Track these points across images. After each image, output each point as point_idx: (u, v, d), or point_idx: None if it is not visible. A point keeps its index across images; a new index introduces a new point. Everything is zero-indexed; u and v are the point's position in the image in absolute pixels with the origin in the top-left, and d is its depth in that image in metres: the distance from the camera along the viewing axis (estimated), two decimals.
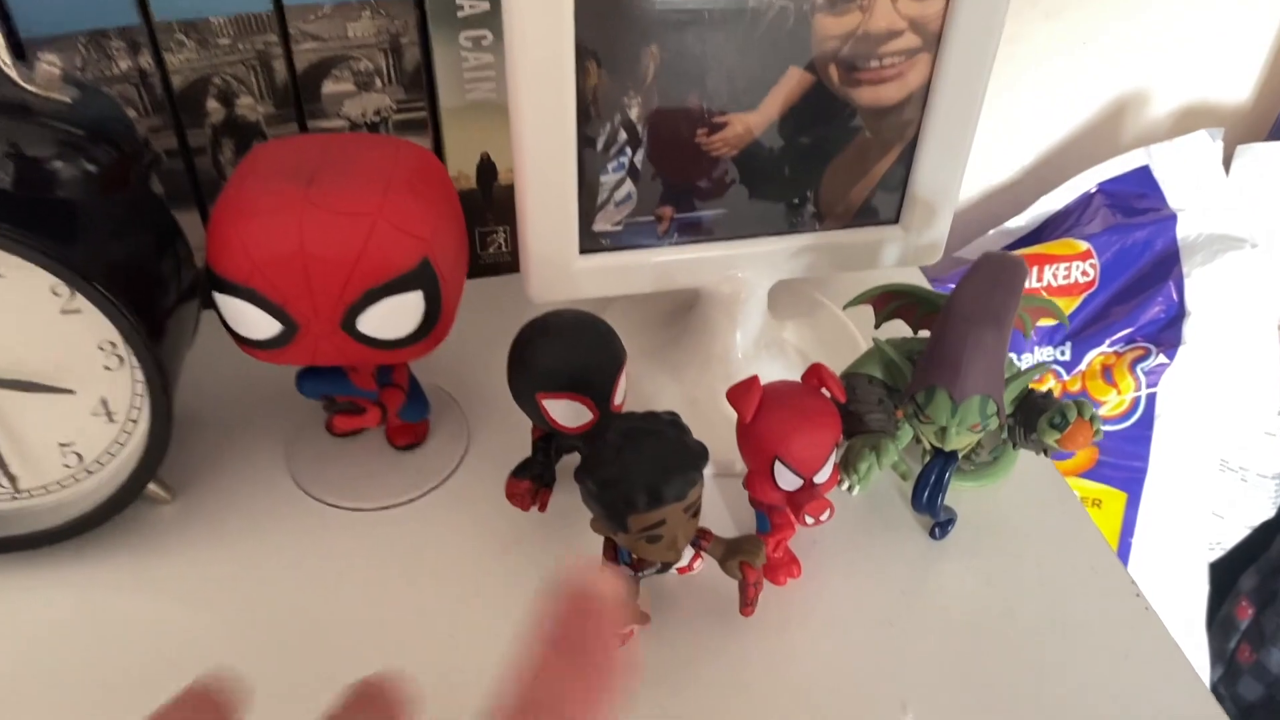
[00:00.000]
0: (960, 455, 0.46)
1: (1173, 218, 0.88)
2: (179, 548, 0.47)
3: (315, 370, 0.48)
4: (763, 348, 0.53)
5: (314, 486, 0.50)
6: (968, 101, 0.46)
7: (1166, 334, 0.87)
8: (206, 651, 0.43)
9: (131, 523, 0.47)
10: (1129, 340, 0.88)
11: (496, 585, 0.46)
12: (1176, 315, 0.87)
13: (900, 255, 0.51)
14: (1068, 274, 0.88)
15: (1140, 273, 0.88)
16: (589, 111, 0.43)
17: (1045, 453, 0.46)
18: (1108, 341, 0.88)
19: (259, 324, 0.42)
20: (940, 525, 0.48)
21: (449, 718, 0.39)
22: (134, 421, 0.44)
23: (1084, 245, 0.86)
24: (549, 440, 0.46)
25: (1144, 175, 0.89)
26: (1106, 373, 0.88)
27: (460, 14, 0.50)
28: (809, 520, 0.42)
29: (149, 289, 0.42)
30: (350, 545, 0.48)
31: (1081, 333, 0.89)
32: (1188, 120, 0.91)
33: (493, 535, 0.48)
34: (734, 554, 0.42)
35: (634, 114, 0.44)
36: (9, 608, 0.45)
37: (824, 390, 0.43)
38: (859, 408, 0.45)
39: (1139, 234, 0.88)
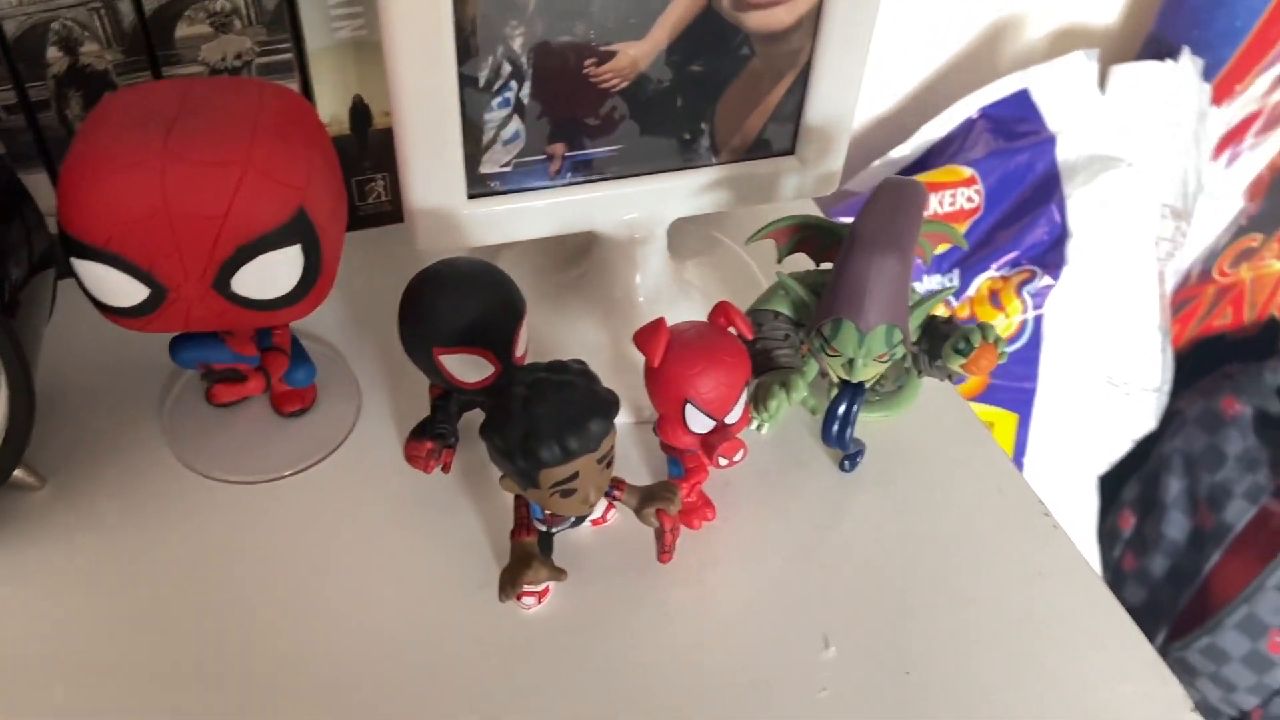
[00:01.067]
0: (867, 386, 0.46)
1: (1051, 140, 0.90)
2: (53, 534, 0.44)
3: (189, 337, 0.45)
4: (664, 289, 0.51)
5: (197, 460, 0.47)
6: (859, 27, 0.45)
7: (1051, 255, 0.89)
8: (90, 643, 0.41)
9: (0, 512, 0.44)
10: (1015, 264, 0.90)
11: (400, 553, 0.44)
12: (1060, 236, 0.89)
13: (797, 187, 0.50)
14: (953, 201, 0.89)
15: (1023, 196, 0.90)
16: (469, 45, 0.41)
17: (950, 379, 0.46)
18: (994, 266, 0.90)
19: (123, 290, 0.39)
20: (849, 458, 0.48)
21: (348, 688, 0.37)
22: None
23: (968, 171, 0.87)
24: (448, 398, 0.44)
25: (1023, 99, 0.90)
26: (994, 297, 0.90)
27: None
28: (722, 462, 0.41)
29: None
30: (240, 520, 0.45)
31: (968, 259, 0.90)
32: (1064, 42, 0.93)
33: (394, 500, 0.46)
34: (649, 502, 0.41)
35: (517, 45, 0.42)
36: None
37: (731, 329, 0.41)
38: (766, 345, 0.44)
39: (1020, 157, 0.90)
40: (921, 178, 0.86)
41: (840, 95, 0.47)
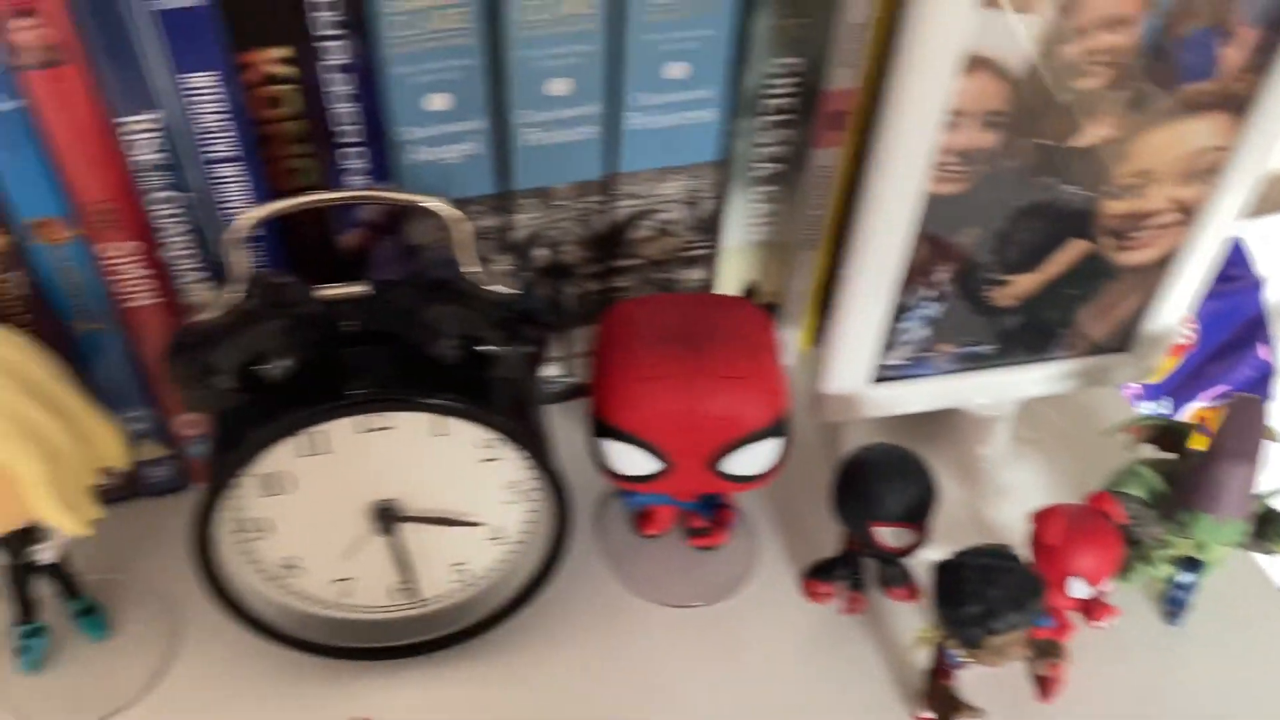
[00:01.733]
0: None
1: (1258, 284, 0.98)
2: (531, 647, 0.55)
3: None
4: (1006, 455, 0.61)
5: (632, 581, 0.58)
6: (1208, 258, 0.55)
7: (1258, 390, 0.97)
8: None
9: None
10: (1224, 395, 0.98)
11: (804, 683, 0.54)
12: (1266, 373, 0.97)
13: (1124, 376, 0.60)
14: None
15: (1233, 334, 0.98)
16: (908, 278, 0.51)
17: (1269, 554, 0.55)
18: (1204, 396, 0.98)
19: (638, 464, 0.50)
20: (1176, 615, 0.57)
21: None
22: (521, 543, 0.52)
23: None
24: (860, 552, 0.54)
25: (1234, 246, 0.99)
26: (1203, 425, 0.98)
27: (758, 173, 0.57)
28: (1100, 624, 0.51)
29: (546, 438, 0.49)
30: (663, 642, 0.55)
31: (1181, 388, 0.99)
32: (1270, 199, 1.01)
33: (796, 633, 0.56)
34: (1042, 655, 0.50)
35: (944, 278, 0.52)
36: (412, 703, 0.52)
37: (1106, 513, 0.51)
38: (1128, 524, 0.54)
39: (1231, 300, 0.98)
40: None
41: (1175, 311, 0.57)
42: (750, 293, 0.64)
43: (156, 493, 0.59)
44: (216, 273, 0.50)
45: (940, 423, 0.62)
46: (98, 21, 0.41)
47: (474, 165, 0.52)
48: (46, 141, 0.44)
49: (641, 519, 0.59)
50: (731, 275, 0.62)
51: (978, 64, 0.43)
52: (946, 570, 0.47)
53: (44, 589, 0.52)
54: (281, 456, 0.45)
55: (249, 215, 0.42)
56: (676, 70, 0.51)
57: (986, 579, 0.46)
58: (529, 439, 0.47)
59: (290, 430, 0.44)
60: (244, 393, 0.43)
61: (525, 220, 0.55)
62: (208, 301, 0.43)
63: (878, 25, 0.53)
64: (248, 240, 0.44)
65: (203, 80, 0.44)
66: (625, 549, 0.59)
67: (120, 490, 0.57)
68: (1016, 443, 0.63)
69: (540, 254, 0.57)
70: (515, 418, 0.47)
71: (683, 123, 0.53)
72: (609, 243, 0.58)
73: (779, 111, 0.55)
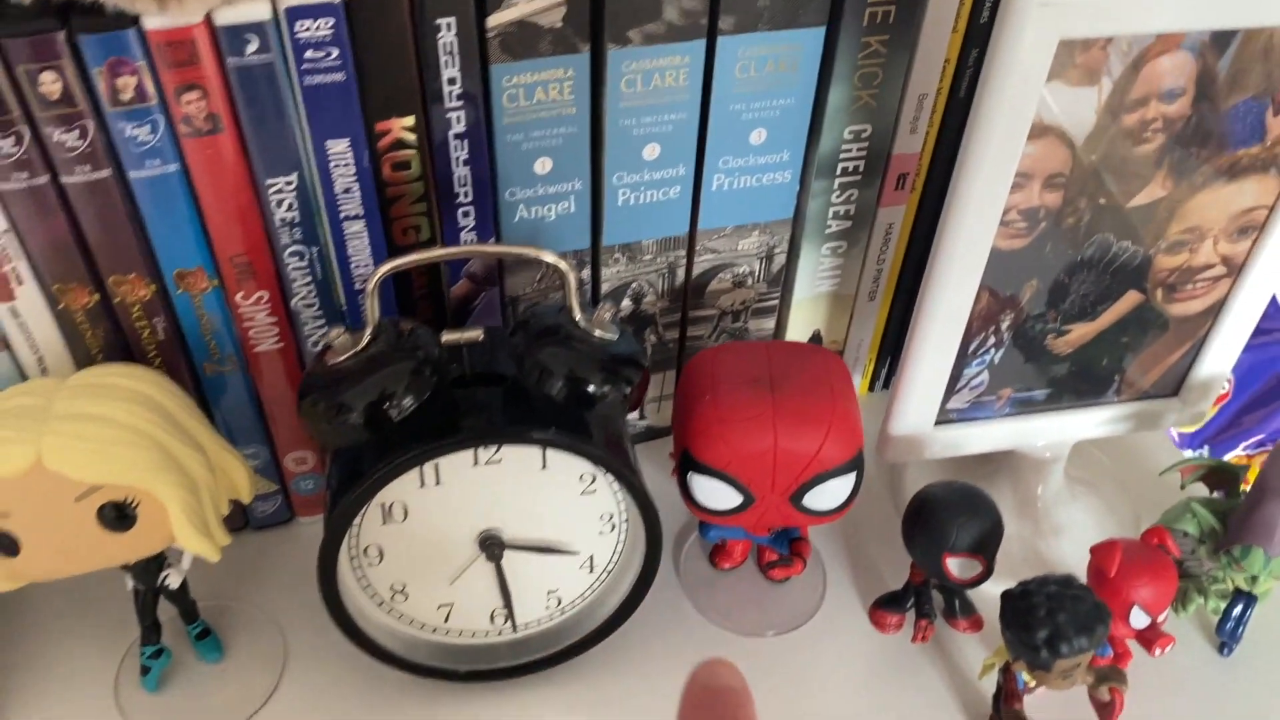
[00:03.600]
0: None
1: None
2: (616, 673, 0.58)
3: None
4: (1060, 493, 0.65)
5: (709, 611, 0.61)
6: (1253, 309, 0.58)
7: None
8: None
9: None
10: (1260, 445, 1.01)
11: (875, 708, 0.57)
12: None
13: (1173, 421, 0.63)
14: None
15: (1268, 386, 1.01)
16: (972, 327, 0.55)
17: None
18: (1241, 446, 1.01)
19: (724, 498, 0.53)
20: (1229, 646, 0.60)
21: None
22: (609, 572, 0.55)
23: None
24: (927, 583, 0.58)
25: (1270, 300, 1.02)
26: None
27: (828, 229, 0.61)
28: (1158, 652, 0.54)
29: (639, 472, 0.53)
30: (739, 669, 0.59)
31: (1217, 437, 1.01)
32: None
33: (865, 661, 0.59)
34: (1103, 680, 0.53)
35: (1004, 328, 0.56)
36: None
37: (1162, 547, 0.54)
38: (1182, 558, 0.57)
39: (1266, 351, 1.01)
40: None
41: (1224, 359, 0.61)
42: (815, 341, 0.68)
43: (265, 525, 0.63)
44: (333, 320, 0.55)
45: (998, 463, 0.65)
46: (251, 95, 0.46)
47: (569, 222, 0.56)
48: (196, 200, 0.48)
49: (717, 553, 0.63)
50: (798, 325, 0.66)
51: (1044, 130, 0.47)
52: (1018, 597, 0.50)
53: (166, 613, 0.56)
54: (399, 488, 0.49)
55: (388, 265, 0.47)
56: (757, 136, 0.56)
57: (1056, 605, 0.49)
58: (626, 472, 0.51)
59: (413, 464, 0.48)
60: (369, 429, 0.47)
61: (611, 274, 0.60)
62: (339, 345, 0.48)
63: (941, 96, 0.58)
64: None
65: (339, 146, 0.48)
66: (701, 582, 0.63)
67: (231, 521, 0.61)
68: (1069, 483, 0.66)
69: (625, 305, 0.62)
70: (613, 453, 0.50)
71: (761, 184, 0.58)
72: (688, 294, 0.62)
73: (848, 173, 0.59)
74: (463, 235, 0.54)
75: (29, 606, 0.60)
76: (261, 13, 0.44)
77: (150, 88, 0.44)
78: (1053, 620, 0.49)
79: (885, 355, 0.71)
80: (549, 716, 0.56)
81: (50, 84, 0.43)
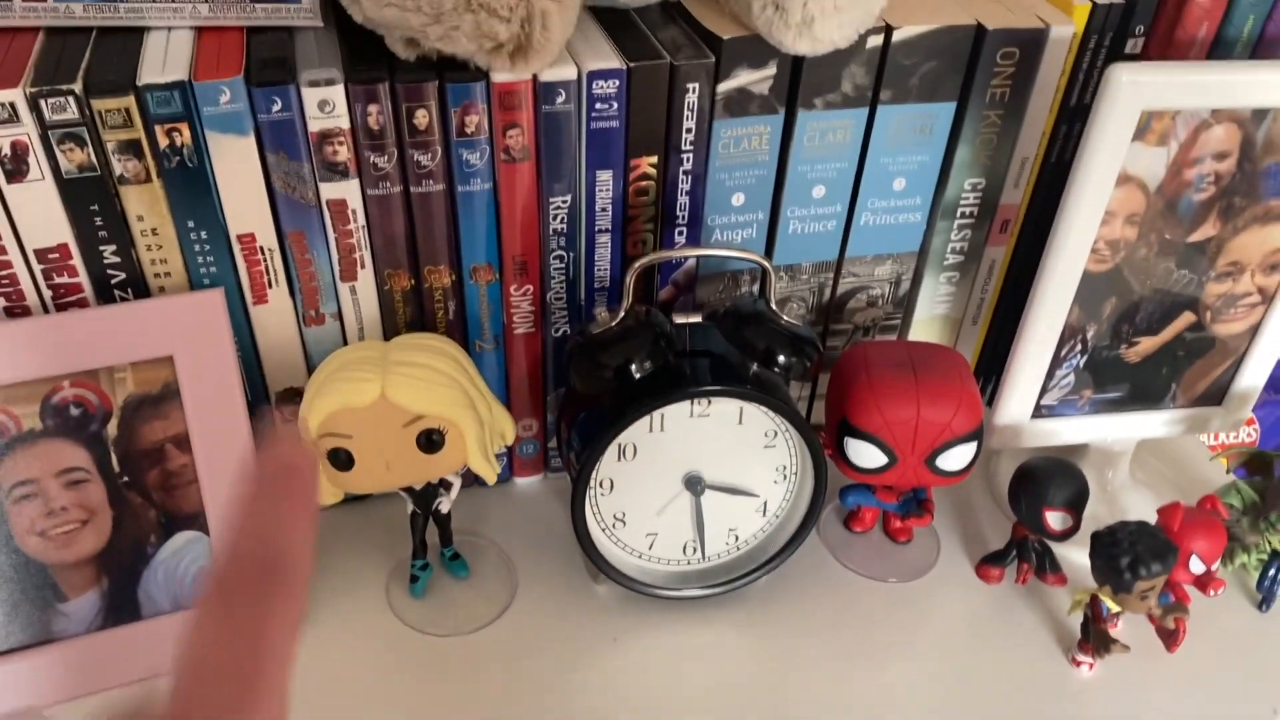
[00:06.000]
0: None
1: None
2: (771, 603, 0.73)
3: (854, 488, 0.74)
4: (1124, 479, 0.80)
5: (845, 559, 0.76)
6: None
7: None
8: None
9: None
10: None
11: (983, 643, 0.72)
12: None
13: (1217, 425, 0.79)
14: (1235, 436, 1.16)
15: None
16: (1064, 335, 0.71)
17: None
18: None
19: (872, 458, 0.69)
20: (1266, 602, 0.74)
21: None
22: (777, 517, 0.71)
23: (1250, 414, 1.14)
24: (1027, 537, 0.73)
25: None
26: None
27: (945, 262, 0.78)
28: (1213, 593, 0.69)
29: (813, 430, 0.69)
30: (867, 608, 0.73)
31: None
32: None
33: (974, 608, 0.74)
34: (1170, 612, 0.68)
35: (1089, 336, 0.72)
36: (695, 643, 0.70)
37: (1214, 509, 0.69)
38: (1228, 521, 0.72)
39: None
40: None
41: (1260, 372, 0.76)
42: None
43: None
44: (574, 312, 0.71)
45: (1074, 455, 0.80)
46: (552, 134, 0.63)
47: (749, 245, 0.73)
48: (497, 211, 0.65)
49: (851, 518, 0.78)
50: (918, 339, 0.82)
51: (1127, 179, 0.64)
52: (1105, 534, 0.66)
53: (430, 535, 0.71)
54: (635, 431, 0.65)
55: (644, 260, 0.63)
56: (898, 184, 0.73)
57: (1136, 539, 0.64)
58: (805, 427, 0.66)
59: (648, 411, 0.64)
60: (618, 382, 0.63)
61: (775, 289, 0.76)
62: (601, 319, 0.64)
63: (1037, 160, 0.75)
64: (607, 287, 0.65)
65: (604, 175, 0.65)
66: (838, 541, 0.78)
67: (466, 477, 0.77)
68: (1130, 475, 0.81)
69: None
70: (793, 410, 0.66)
71: (897, 222, 0.75)
72: (830, 310, 0.79)
73: (965, 216, 0.76)
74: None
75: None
76: (571, 74, 0.61)
77: (485, 124, 0.61)
78: (1134, 550, 0.64)
79: (981, 373, 0.87)
80: (728, 631, 0.71)
81: (421, 118, 0.60)
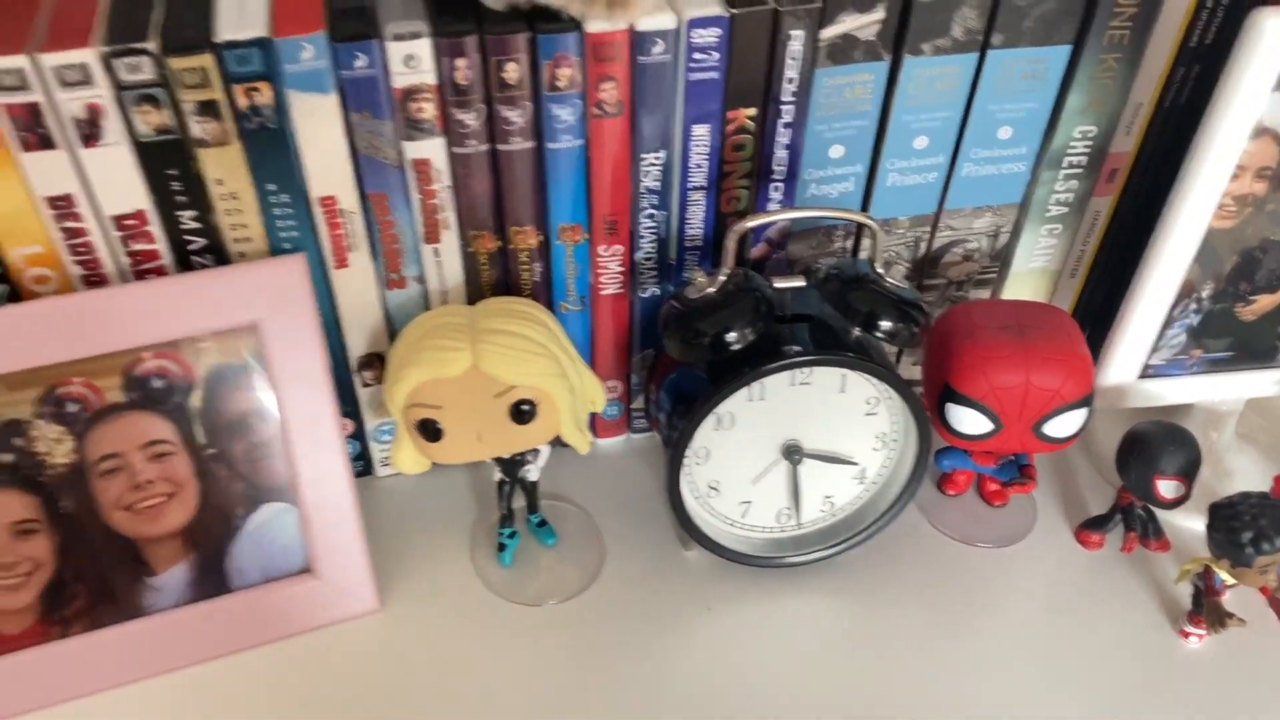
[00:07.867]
0: None
1: None
2: (868, 570, 0.71)
3: (950, 452, 0.72)
4: (1231, 440, 0.77)
5: (940, 524, 0.74)
6: None
7: None
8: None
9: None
10: None
11: (1085, 614, 0.69)
12: None
13: None
14: None
15: None
16: (1180, 293, 0.68)
17: None
18: None
19: (977, 424, 0.66)
20: None
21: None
22: (875, 484, 0.68)
23: None
24: (1131, 505, 0.70)
25: None
26: None
27: (1048, 214, 0.74)
28: None
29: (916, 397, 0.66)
30: (965, 574, 0.71)
31: None
32: None
33: (1074, 572, 0.72)
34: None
35: (1205, 294, 0.68)
36: (786, 610, 0.68)
37: None
38: None
39: None
40: None
41: None
42: None
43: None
44: (664, 273, 0.68)
45: (1178, 416, 0.77)
46: (648, 86, 0.59)
47: (846, 200, 0.69)
48: (588, 169, 0.62)
49: (945, 481, 0.75)
50: (1009, 296, 0.79)
51: (1262, 131, 0.60)
52: (1225, 507, 0.63)
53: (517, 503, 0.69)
54: (734, 401, 0.63)
55: (747, 222, 0.60)
56: (1004, 132, 0.69)
57: (1259, 512, 0.61)
58: (911, 395, 0.63)
59: (749, 381, 0.61)
60: (713, 351, 0.60)
61: (870, 244, 0.72)
62: (698, 283, 0.61)
63: (1150, 105, 0.70)
64: (700, 247, 0.62)
65: (701, 130, 0.62)
66: (932, 504, 0.75)
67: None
68: (1236, 435, 0.78)
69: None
70: (897, 377, 0.63)
71: (1000, 172, 0.71)
72: (925, 264, 0.75)
73: (1072, 166, 0.72)
74: (769, 206, 0.68)
75: (397, 505, 0.73)
76: (669, 23, 0.57)
77: (578, 78, 0.58)
78: (1256, 524, 0.61)
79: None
80: (820, 599, 0.69)
81: (510, 72, 0.57)
